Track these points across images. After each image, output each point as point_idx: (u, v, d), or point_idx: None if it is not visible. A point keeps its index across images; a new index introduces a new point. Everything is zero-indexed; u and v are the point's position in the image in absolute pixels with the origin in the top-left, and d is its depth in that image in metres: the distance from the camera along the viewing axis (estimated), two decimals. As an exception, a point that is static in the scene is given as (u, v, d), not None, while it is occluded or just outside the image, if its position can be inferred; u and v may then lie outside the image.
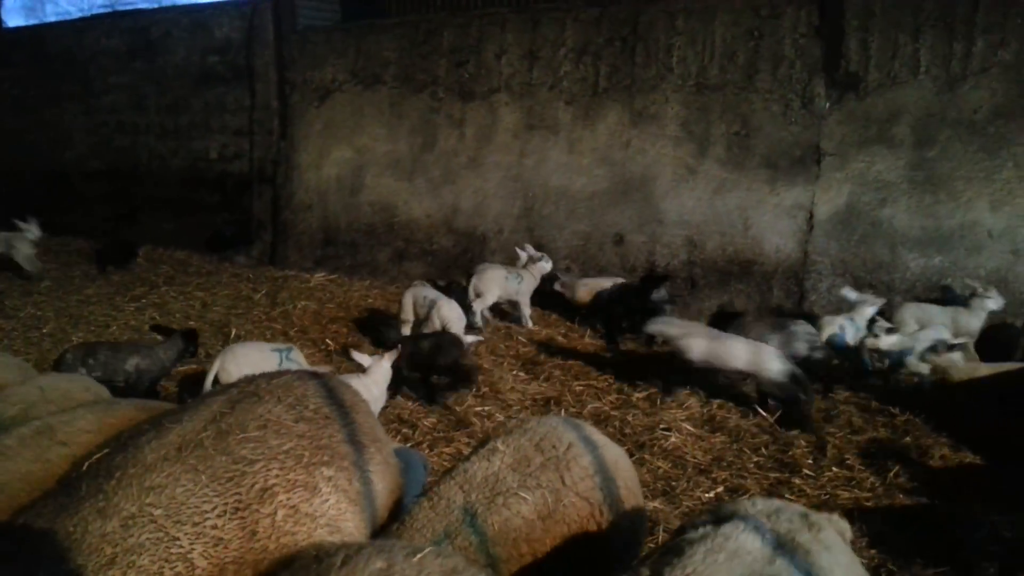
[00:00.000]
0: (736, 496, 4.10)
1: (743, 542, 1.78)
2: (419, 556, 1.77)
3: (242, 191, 10.94)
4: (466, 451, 3.79)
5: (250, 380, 2.45)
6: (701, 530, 1.86)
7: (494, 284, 7.05)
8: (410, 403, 5.46)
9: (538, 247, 8.29)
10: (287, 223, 10.35)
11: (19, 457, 2.27)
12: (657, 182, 7.78)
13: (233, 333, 6.99)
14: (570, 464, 2.44)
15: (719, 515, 1.94)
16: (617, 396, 5.66)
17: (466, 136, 8.93)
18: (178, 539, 1.93)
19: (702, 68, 7.51)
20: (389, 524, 2.37)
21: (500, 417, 5.21)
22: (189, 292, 8.60)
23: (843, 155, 7.01)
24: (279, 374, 2.55)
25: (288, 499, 2.10)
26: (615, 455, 2.63)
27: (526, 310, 7.32)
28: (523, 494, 2.32)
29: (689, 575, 1.69)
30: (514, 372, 6.17)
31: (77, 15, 14.15)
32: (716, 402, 5.42)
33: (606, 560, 2.41)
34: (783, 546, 1.79)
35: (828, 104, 7.02)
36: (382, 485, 2.36)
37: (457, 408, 5.37)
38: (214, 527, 1.97)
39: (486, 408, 5.39)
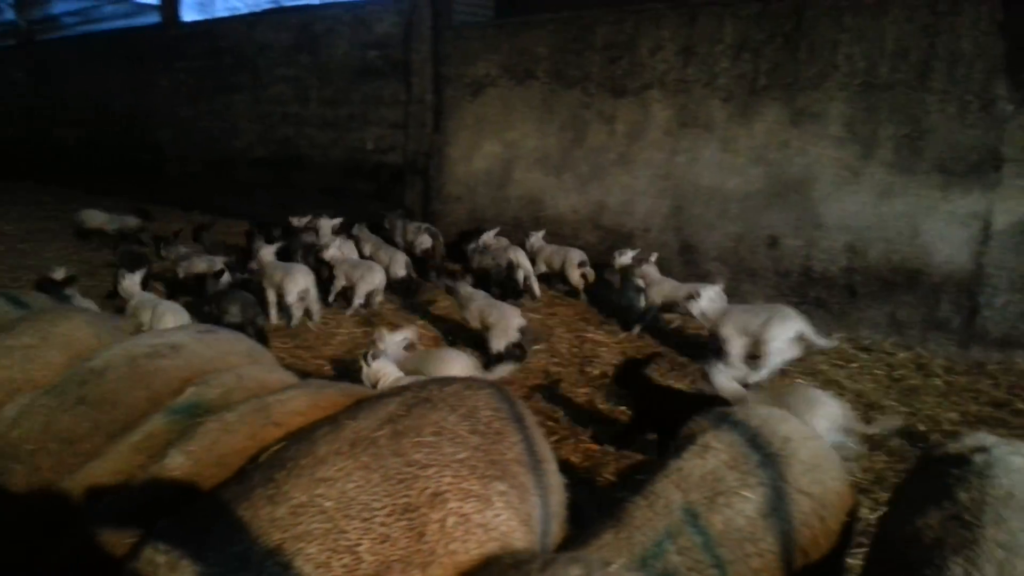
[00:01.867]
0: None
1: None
2: (614, 567, 1.78)
3: (395, 182, 11.31)
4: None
5: (422, 386, 2.51)
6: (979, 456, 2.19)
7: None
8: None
9: (686, 247, 8.18)
10: (436, 214, 10.62)
11: (238, 433, 2.42)
12: (816, 184, 7.47)
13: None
14: (789, 460, 2.37)
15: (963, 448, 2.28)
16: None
17: (616, 132, 8.87)
18: (346, 532, 1.96)
19: (870, 66, 7.13)
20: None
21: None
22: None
23: (1027, 161, 6.51)
24: (449, 381, 2.59)
25: (460, 507, 2.11)
26: (824, 447, 2.56)
27: None
28: (745, 493, 2.28)
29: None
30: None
31: (244, 10, 14.97)
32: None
33: (830, 556, 2.36)
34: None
35: (1012, 107, 6.52)
36: (549, 509, 2.37)
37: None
38: (382, 524, 2.00)
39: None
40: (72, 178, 17.52)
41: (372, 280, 7.57)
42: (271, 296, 7.13)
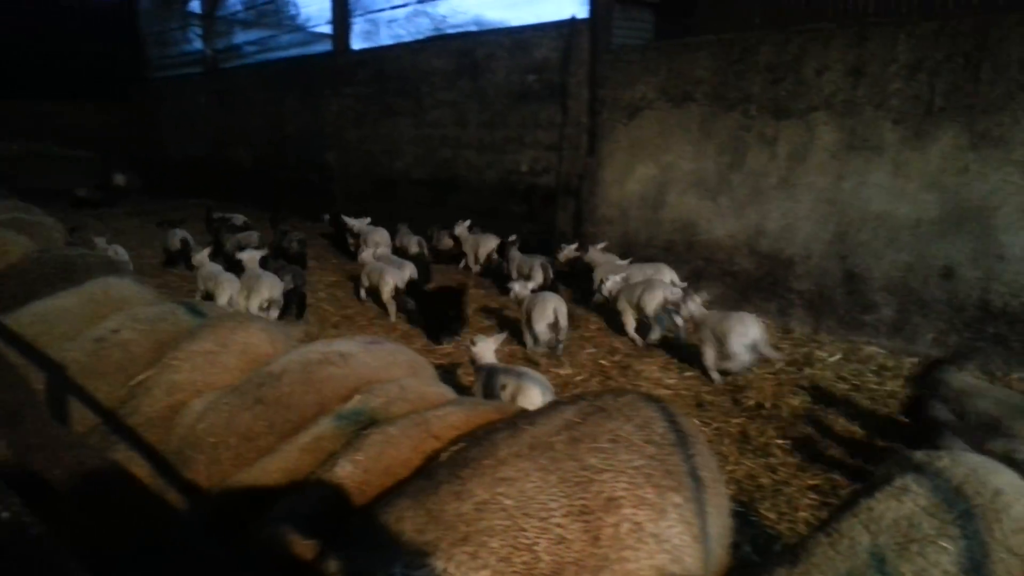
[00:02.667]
0: None
1: None
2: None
3: (547, 203, 11.45)
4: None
5: (597, 396, 2.54)
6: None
7: None
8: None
9: (850, 276, 7.85)
10: (588, 236, 10.64)
11: (401, 444, 2.54)
12: (999, 212, 6.97)
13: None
14: (999, 515, 2.13)
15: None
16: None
17: (778, 155, 8.62)
18: (525, 530, 2.04)
19: (1065, 86, 6.63)
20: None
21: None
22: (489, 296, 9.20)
23: None
24: (623, 392, 2.60)
25: (634, 514, 2.12)
26: None
27: None
28: (944, 543, 2.09)
29: None
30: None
31: (407, 38, 15.58)
32: None
33: None
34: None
35: None
36: (718, 529, 2.33)
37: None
38: (559, 525, 2.06)
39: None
40: (246, 196, 18.79)
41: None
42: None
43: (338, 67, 15.75)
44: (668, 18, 10.80)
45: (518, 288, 7.76)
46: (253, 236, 11.05)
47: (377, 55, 15.02)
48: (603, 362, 7.15)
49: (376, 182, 15.02)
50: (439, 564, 1.95)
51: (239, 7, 20.95)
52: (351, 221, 11.86)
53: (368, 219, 11.92)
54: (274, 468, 2.69)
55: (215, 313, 3.89)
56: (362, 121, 15.22)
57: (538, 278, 8.63)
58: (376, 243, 10.41)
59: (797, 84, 8.37)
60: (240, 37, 21.17)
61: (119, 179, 19.63)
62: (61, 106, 23.03)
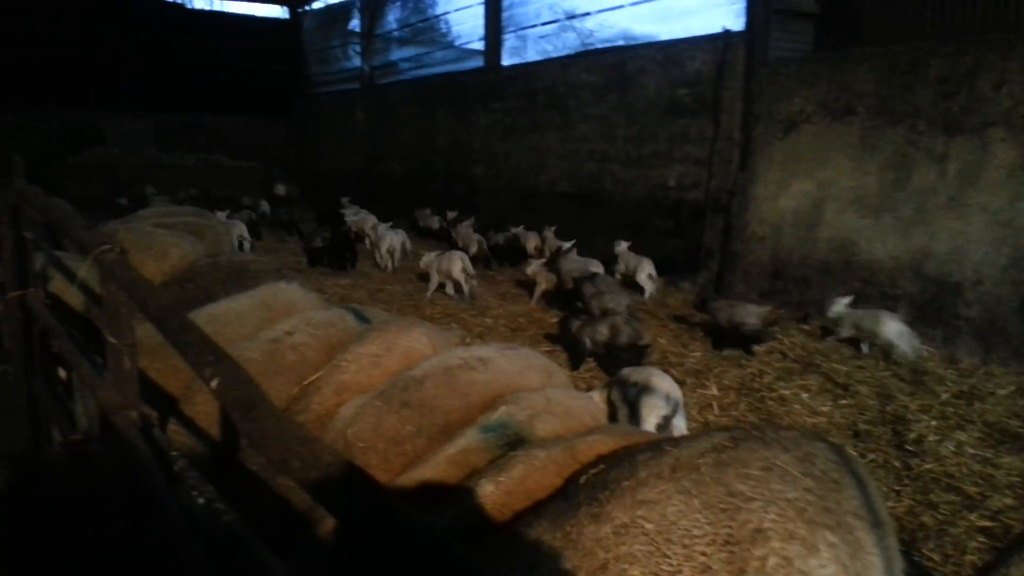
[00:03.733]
0: None
1: None
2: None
3: (694, 219, 11.23)
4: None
5: (754, 426, 2.43)
6: None
7: None
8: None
9: (1029, 304, 7.29)
10: (736, 253, 10.36)
11: (546, 470, 2.51)
12: None
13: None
14: None
15: None
16: None
17: (947, 173, 8.10)
18: (668, 557, 1.94)
19: None
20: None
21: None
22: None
23: None
24: (785, 427, 2.47)
25: (783, 548, 1.98)
26: None
27: None
28: None
29: None
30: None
31: (554, 53, 15.69)
32: None
33: None
34: None
35: None
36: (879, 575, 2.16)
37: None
38: (703, 554, 1.94)
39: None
40: (397, 207, 19.46)
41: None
42: None
43: (488, 82, 16.09)
44: (828, 30, 10.38)
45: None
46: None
47: (527, 70, 15.23)
48: (754, 384, 6.91)
49: (521, 195, 15.21)
50: None
51: (395, 25, 21.75)
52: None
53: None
54: (422, 479, 2.72)
55: (380, 319, 4.01)
56: (509, 135, 15.46)
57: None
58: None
59: (971, 98, 7.85)
60: (396, 54, 21.95)
61: (280, 189, 20.78)
62: (230, 120, 24.73)
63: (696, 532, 1.98)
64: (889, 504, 4.72)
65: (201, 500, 1.77)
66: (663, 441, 2.43)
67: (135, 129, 23.09)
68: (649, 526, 2.00)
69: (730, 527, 1.99)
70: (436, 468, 2.73)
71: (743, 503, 2.04)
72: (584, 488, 2.24)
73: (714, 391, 6.71)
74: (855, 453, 5.46)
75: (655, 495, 2.06)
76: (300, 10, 25.80)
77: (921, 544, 4.30)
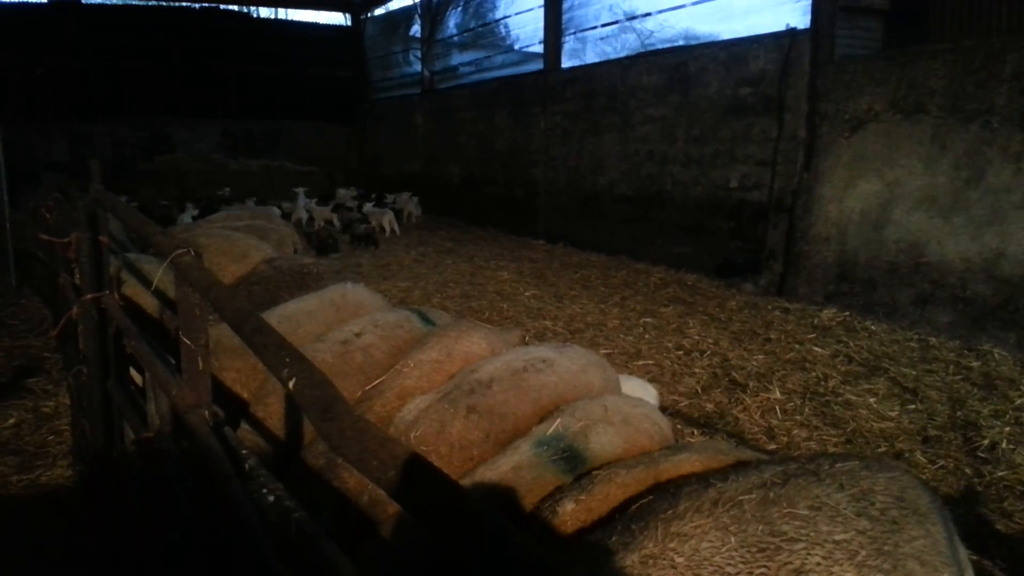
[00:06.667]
0: None
1: None
2: None
3: (757, 220, 11.03)
4: None
5: (812, 458, 2.32)
6: None
7: None
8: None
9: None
10: (800, 254, 10.14)
11: (629, 489, 2.45)
12: None
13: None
14: None
15: None
16: None
17: (1023, 172, 7.80)
18: None
19: None
20: None
21: None
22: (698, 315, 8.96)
23: None
24: (846, 458, 2.35)
25: None
26: None
27: None
28: None
29: None
30: None
31: (613, 55, 15.60)
32: None
33: None
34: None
35: None
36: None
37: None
38: None
39: None
40: (456, 210, 19.58)
41: None
42: None
43: (548, 85, 16.07)
44: (897, 26, 10.10)
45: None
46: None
47: (586, 72, 15.16)
48: (818, 388, 6.74)
49: (580, 197, 15.15)
50: None
51: (455, 30, 21.90)
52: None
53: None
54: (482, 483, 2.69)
55: (443, 321, 4.01)
56: (568, 137, 15.42)
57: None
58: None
59: (1051, 93, 7.55)
60: (456, 59, 22.12)
61: (342, 193, 21.12)
62: (294, 126, 25.25)
63: (729, 569, 1.90)
64: (959, 512, 4.55)
65: (271, 498, 1.79)
66: (713, 474, 2.34)
67: (202, 135, 23.80)
68: (679, 559, 1.93)
69: (767, 568, 1.90)
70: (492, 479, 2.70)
71: (784, 544, 1.95)
72: (624, 518, 2.19)
73: (777, 395, 6.56)
74: (925, 459, 5.29)
75: (690, 529, 2.00)
76: (362, 17, 26.18)
77: (994, 553, 4.13)
